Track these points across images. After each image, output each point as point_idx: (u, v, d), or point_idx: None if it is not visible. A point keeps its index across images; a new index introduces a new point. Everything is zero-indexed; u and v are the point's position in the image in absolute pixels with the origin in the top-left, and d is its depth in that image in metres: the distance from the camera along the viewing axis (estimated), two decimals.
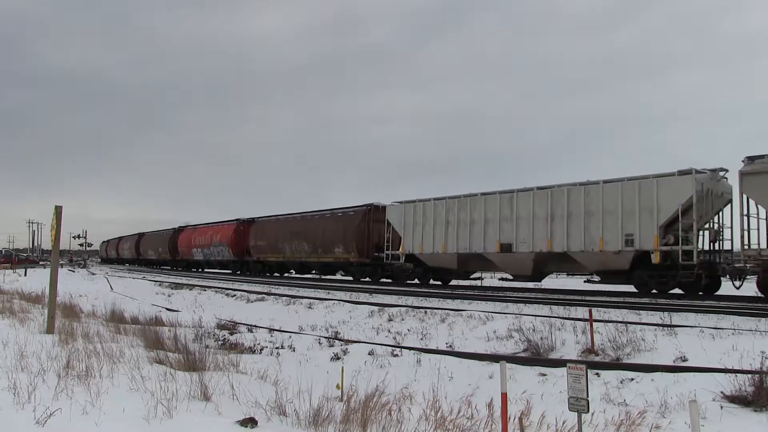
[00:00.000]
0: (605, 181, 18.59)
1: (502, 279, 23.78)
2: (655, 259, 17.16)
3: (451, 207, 23.17)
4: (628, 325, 11.15)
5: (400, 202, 26.01)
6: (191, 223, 57.67)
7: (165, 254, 56.33)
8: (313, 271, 34.91)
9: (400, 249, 25.61)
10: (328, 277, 33.64)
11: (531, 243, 20.08)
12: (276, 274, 37.44)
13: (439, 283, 25.83)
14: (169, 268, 56.70)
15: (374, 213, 28.26)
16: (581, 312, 13.60)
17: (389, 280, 27.39)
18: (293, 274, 36.72)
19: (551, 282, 29.22)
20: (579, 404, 4.86)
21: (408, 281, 25.85)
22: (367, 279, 28.89)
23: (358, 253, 28.23)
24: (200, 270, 50.43)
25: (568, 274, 31.79)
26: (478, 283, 26.48)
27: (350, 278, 30.41)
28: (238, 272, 41.50)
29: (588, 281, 21.00)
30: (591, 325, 10.20)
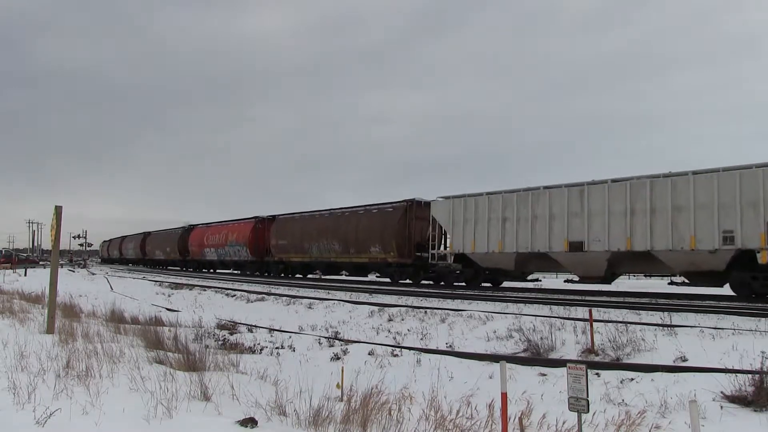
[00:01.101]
0: (694, 173, 16.76)
1: (567, 281, 21.59)
2: (762, 258, 15.29)
3: (509, 202, 20.94)
4: (628, 325, 11.15)
5: (447, 197, 23.73)
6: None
7: (174, 254, 53.79)
8: (343, 273, 32.92)
9: (449, 248, 23.48)
10: (359, 278, 31.46)
11: (606, 241, 18.07)
12: (298, 276, 34.97)
13: (489, 285, 23.94)
14: (178, 268, 54.14)
15: (415, 209, 26.06)
16: (581, 312, 13.60)
17: (430, 282, 25.67)
18: (318, 276, 34.69)
19: (627, 283, 28.48)
20: (579, 404, 4.86)
21: (455, 283, 23.91)
22: (407, 281, 26.62)
23: (397, 252, 25.99)
24: (212, 270, 48.34)
25: (646, 275, 28.74)
26: (536, 285, 23.70)
27: (387, 280, 27.91)
28: (257, 273, 39.14)
29: (672, 283, 19.04)
30: (591, 325, 10.20)
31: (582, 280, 20.01)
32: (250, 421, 5.07)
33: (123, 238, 78.88)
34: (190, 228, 51.13)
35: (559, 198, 19.58)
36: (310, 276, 34.58)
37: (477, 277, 23.33)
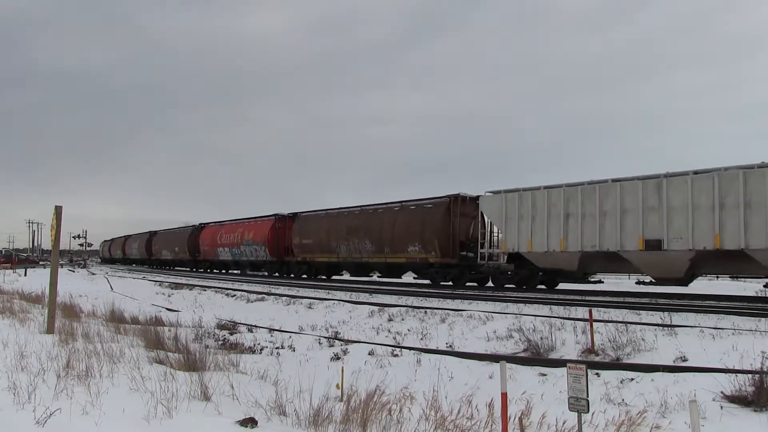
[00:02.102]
0: None
1: (639, 283, 19.54)
2: None
3: (573, 196, 19.14)
4: (628, 325, 11.15)
5: (498, 192, 21.78)
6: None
7: (183, 254, 50.99)
8: (375, 274, 31.00)
9: (501, 247, 21.56)
10: (392, 280, 29.20)
11: (689, 239, 16.43)
12: (321, 277, 33.02)
13: (543, 287, 21.93)
14: (187, 269, 51.54)
15: (460, 205, 23.99)
16: (581, 312, 13.60)
17: (473, 285, 24.02)
18: (345, 277, 33.03)
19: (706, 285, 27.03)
20: (579, 404, 4.86)
21: (507, 285, 21.97)
22: (448, 283, 24.64)
23: (440, 252, 23.97)
24: (226, 271, 45.92)
25: (733, 277, 26.27)
26: (597, 287, 21.69)
27: (426, 282, 25.74)
28: (276, 274, 36.87)
29: None
30: (591, 325, 10.21)
31: (657, 282, 18.43)
32: (250, 421, 5.07)
33: (127, 237, 76.29)
34: (201, 226, 48.73)
35: (633, 192, 17.75)
36: (335, 277, 32.97)
37: (533, 279, 21.38)
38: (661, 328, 10.72)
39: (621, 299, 16.77)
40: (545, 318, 12.62)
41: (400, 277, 28.99)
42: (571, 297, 18.06)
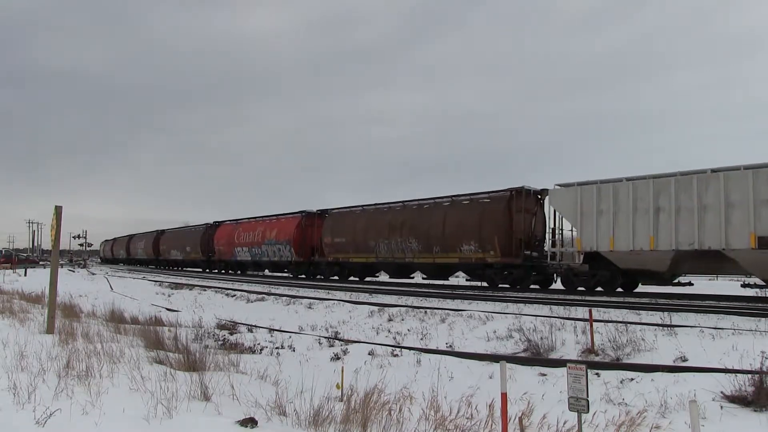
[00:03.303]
0: None
1: (745, 285, 17.80)
2: None
3: (664, 188, 17.25)
4: (628, 325, 11.16)
5: (569, 185, 19.78)
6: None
7: (195, 254, 48.35)
8: (417, 276, 28.88)
9: (576, 245, 19.47)
10: (440, 282, 26.47)
11: None
12: (352, 278, 30.67)
13: (621, 290, 19.51)
14: (200, 270, 48.78)
15: (523, 200, 22.05)
16: (581, 312, 13.61)
17: (536, 287, 21.91)
18: (381, 278, 30.80)
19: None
20: (579, 404, 4.86)
21: (581, 288, 19.75)
22: (505, 285, 22.44)
23: (500, 251, 21.86)
24: (241, 272, 42.97)
25: None
26: (687, 290, 19.12)
27: (481, 284, 23.75)
28: (302, 276, 34.33)
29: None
30: (591, 325, 10.21)
31: None
32: (250, 421, 5.07)
33: (131, 236, 73.41)
34: (216, 225, 46.02)
35: (740, 183, 15.84)
36: (368, 279, 30.69)
37: (613, 280, 19.12)
38: (661, 328, 10.73)
39: (621, 299, 16.76)
40: (545, 318, 12.62)
41: (448, 279, 26.81)
42: (571, 297, 18.06)
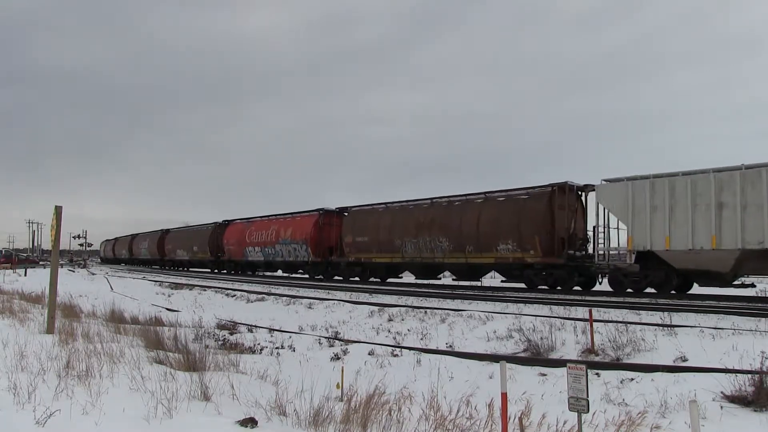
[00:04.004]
0: None
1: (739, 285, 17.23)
2: None
3: (728, 183, 16.08)
4: (628, 325, 11.16)
5: (618, 179, 18.57)
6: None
7: (203, 254, 46.61)
8: (447, 277, 27.38)
9: (627, 244, 18.39)
10: (468, 283, 25.25)
11: None
12: (372, 279, 28.92)
13: (674, 291, 18.13)
14: (208, 270, 47.08)
15: (566, 196, 20.76)
16: (581, 312, 13.61)
17: (577, 289, 20.60)
18: (406, 279, 29.18)
19: None
20: (579, 404, 4.86)
21: (630, 290, 18.49)
22: (541, 285, 21.13)
23: (541, 250, 20.60)
24: (253, 273, 41.14)
25: None
26: (751, 291, 18.38)
27: (520, 285, 22.28)
28: (320, 276, 32.78)
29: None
30: (591, 325, 10.21)
31: None
32: (250, 421, 5.07)
33: (134, 236, 71.02)
34: (225, 223, 44.16)
35: None
36: (391, 280, 28.89)
37: (668, 281, 17.88)
38: (661, 328, 10.73)
39: (621, 299, 16.77)
40: (545, 318, 12.62)
41: (479, 281, 25.43)
42: (571, 297, 18.07)
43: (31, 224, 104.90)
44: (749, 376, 6.97)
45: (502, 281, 23.83)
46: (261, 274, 40.25)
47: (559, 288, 20.50)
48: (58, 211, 11.11)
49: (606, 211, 19.11)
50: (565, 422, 5.60)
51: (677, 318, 12.06)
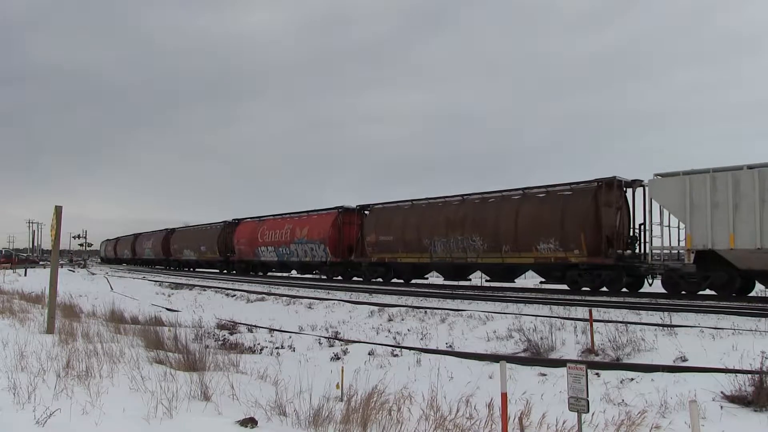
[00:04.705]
0: None
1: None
2: None
3: None
4: (628, 325, 11.16)
5: (673, 174, 17.41)
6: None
7: (211, 253, 45.07)
8: (478, 278, 26.12)
9: (686, 243, 17.02)
10: (506, 285, 23.87)
11: None
12: (395, 281, 27.63)
13: (734, 295, 16.95)
14: (216, 271, 45.56)
15: (614, 192, 19.79)
16: (581, 312, 13.61)
17: (625, 290, 19.32)
18: (432, 281, 27.93)
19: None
20: (579, 404, 4.86)
21: (685, 291, 17.31)
22: (587, 288, 19.85)
23: (587, 250, 19.30)
24: (264, 274, 39.61)
25: None
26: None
27: (559, 286, 21.15)
28: (339, 277, 31.43)
29: None
30: (591, 325, 10.21)
31: None
32: (250, 421, 5.07)
33: (137, 235, 69.19)
34: (235, 222, 42.60)
35: None
36: (414, 281, 27.56)
37: (731, 283, 16.75)
38: (661, 328, 10.73)
39: (621, 299, 16.77)
40: (545, 318, 12.62)
41: (514, 282, 24.00)
42: (571, 297, 18.06)
43: (31, 224, 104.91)
44: (749, 376, 6.97)
45: (540, 282, 22.54)
46: (276, 275, 38.86)
47: (603, 289, 19.43)
48: (58, 211, 11.11)
49: (660, 207, 17.79)
50: (564, 422, 5.60)
51: (677, 318, 12.06)
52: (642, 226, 19.42)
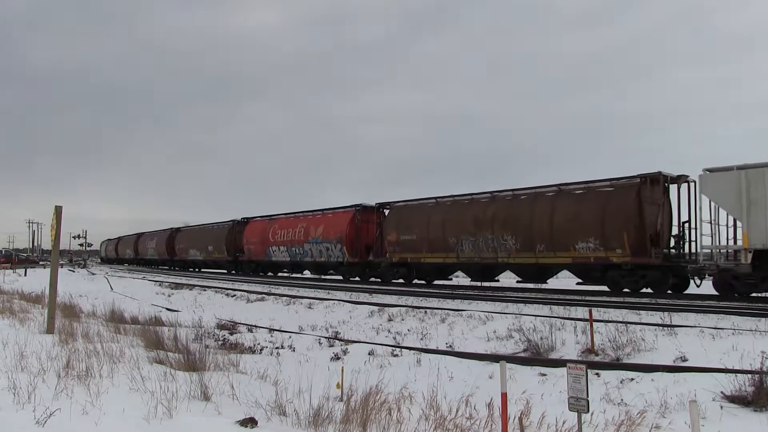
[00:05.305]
0: None
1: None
2: None
3: None
4: (628, 325, 11.16)
5: (726, 168, 16.33)
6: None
7: (219, 253, 43.79)
8: (500, 278, 24.94)
9: (743, 242, 15.92)
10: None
11: None
12: (417, 281, 26.66)
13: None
14: (225, 272, 44.32)
15: (656, 187, 18.76)
16: (581, 312, 13.61)
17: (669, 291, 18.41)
18: (457, 281, 27.10)
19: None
20: (579, 404, 4.86)
21: (741, 293, 16.27)
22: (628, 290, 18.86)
23: (630, 249, 18.37)
24: (274, 274, 38.43)
25: None
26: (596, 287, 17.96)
27: (599, 288, 20.28)
28: (356, 278, 30.12)
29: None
30: (591, 325, 10.21)
31: None
32: (250, 421, 5.07)
33: (139, 235, 67.96)
34: (245, 221, 41.27)
35: None
36: (437, 282, 26.46)
37: None
38: (661, 328, 10.73)
39: (621, 299, 16.77)
40: (545, 318, 12.62)
41: (546, 282, 22.75)
42: (571, 297, 18.07)
43: (31, 224, 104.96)
44: (749, 376, 6.97)
45: (577, 284, 21.42)
46: (293, 276, 37.01)
47: (650, 291, 18.43)
48: (58, 211, 11.11)
49: (711, 204, 16.73)
50: (564, 422, 5.60)
51: (677, 318, 12.06)
52: (687, 224, 18.54)
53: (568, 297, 17.98)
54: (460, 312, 14.27)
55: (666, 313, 12.41)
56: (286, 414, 5.70)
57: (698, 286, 18.34)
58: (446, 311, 14.61)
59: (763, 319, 11.58)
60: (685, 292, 18.53)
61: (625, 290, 18.85)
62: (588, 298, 17.84)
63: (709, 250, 16.75)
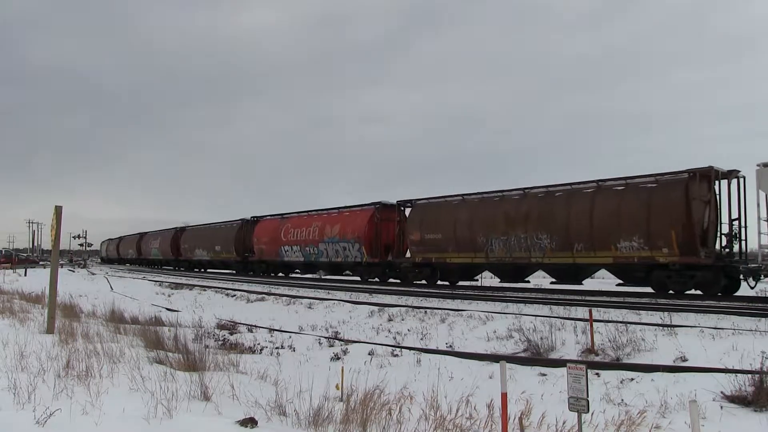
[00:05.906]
0: None
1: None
2: None
3: None
4: (628, 325, 11.16)
5: None
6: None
7: (227, 253, 42.38)
8: (530, 279, 23.80)
9: None
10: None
11: None
12: (441, 282, 25.44)
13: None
14: (233, 272, 42.54)
15: (706, 184, 17.66)
16: (581, 312, 13.61)
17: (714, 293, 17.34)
18: (485, 282, 26.15)
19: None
20: (579, 404, 4.86)
21: None
22: (671, 291, 17.95)
23: (678, 248, 17.41)
24: (286, 275, 36.75)
25: None
26: (751, 291, 17.21)
27: (645, 289, 19.07)
28: (375, 279, 28.75)
29: None
30: (591, 325, 10.21)
31: None
32: (250, 421, 5.07)
33: (142, 234, 66.73)
34: (255, 220, 39.83)
35: None
36: (462, 283, 25.47)
37: None
38: (661, 328, 10.73)
39: (621, 299, 16.77)
40: (545, 318, 12.63)
41: (582, 283, 21.63)
42: (571, 297, 18.06)
43: (31, 224, 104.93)
44: (749, 376, 6.98)
45: (617, 285, 20.58)
46: (302, 277, 35.55)
47: (700, 293, 17.47)
48: (58, 211, 11.11)
49: None
50: (564, 422, 5.60)
51: (677, 318, 12.06)
52: (737, 221, 17.63)
53: (568, 297, 17.97)
54: (460, 312, 14.27)
55: (666, 313, 12.41)
56: (286, 414, 5.70)
57: (752, 288, 17.39)
58: (446, 311, 14.61)
59: (763, 319, 11.58)
60: (736, 294, 17.82)
61: (671, 292, 18.01)
62: (588, 298, 17.84)
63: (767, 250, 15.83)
